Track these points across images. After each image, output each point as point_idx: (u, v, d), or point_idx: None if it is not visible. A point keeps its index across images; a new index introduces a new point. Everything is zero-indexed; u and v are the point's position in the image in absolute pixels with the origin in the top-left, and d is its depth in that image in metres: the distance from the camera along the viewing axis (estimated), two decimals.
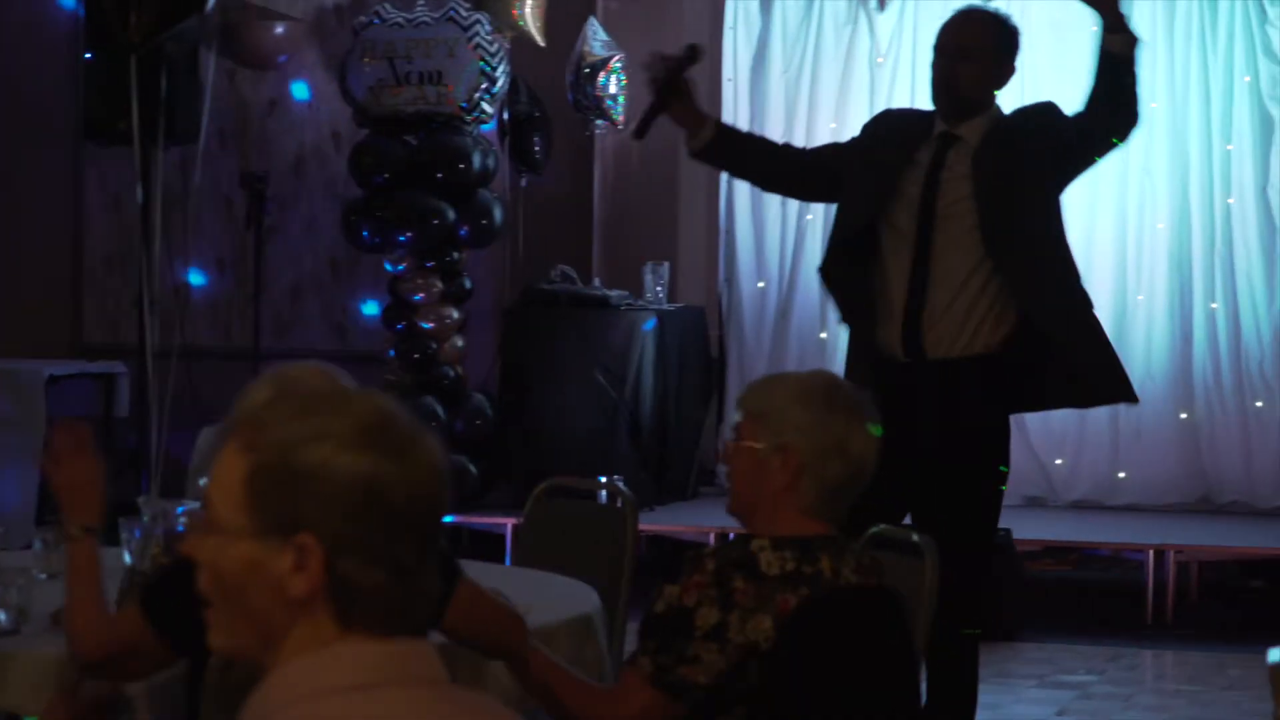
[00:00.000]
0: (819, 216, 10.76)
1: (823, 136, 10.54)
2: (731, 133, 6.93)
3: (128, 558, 4.82)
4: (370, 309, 11.29)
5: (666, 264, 10.92)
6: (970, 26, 6.53)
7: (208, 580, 2.47)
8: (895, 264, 6.35)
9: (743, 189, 11.02)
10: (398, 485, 2.44)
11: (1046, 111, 6.53)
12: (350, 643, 2.43)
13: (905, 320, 6.33)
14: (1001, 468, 6.43)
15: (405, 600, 2.48)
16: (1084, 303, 6.47)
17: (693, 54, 6.47)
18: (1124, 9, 6.52)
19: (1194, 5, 10.56)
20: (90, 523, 4.24)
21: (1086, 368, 6.36)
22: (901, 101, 10.27)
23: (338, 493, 2.43)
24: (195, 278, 11.24)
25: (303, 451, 2.44)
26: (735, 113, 10.98)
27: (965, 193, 6.29)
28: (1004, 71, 6.47)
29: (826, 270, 6.57)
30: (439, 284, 10.75)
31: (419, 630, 2.50)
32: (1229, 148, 10.57)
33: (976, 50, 6.44)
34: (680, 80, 6.44)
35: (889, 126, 6.69)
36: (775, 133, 10.76)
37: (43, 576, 5.23)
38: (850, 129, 10.35)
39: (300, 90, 11.73)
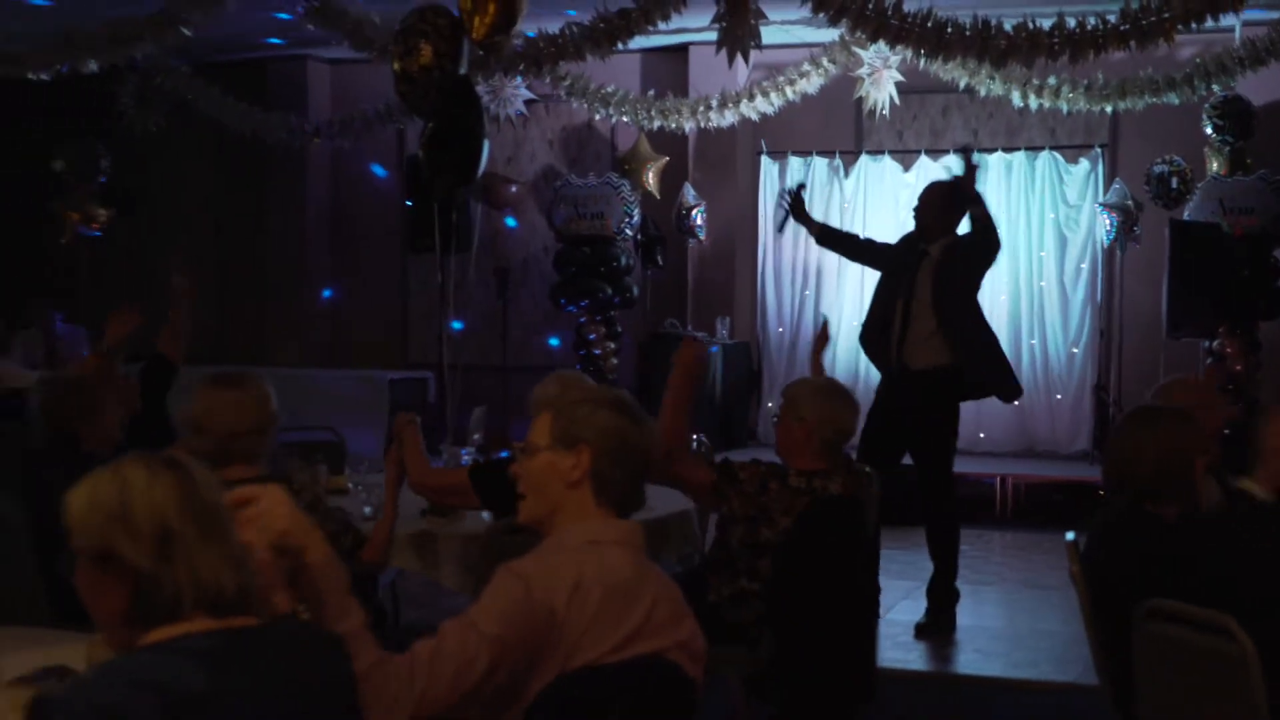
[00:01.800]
0: (813, 291, 10.78)
1: (815, 249, 10.55)
2: (830, 230, 7.14)
3: None
4: (566, 342, 11.36)
5: (728, 317, 10.93)
6: (928, 192, 6.63)
7: (525, 484, 2.56)
8: (896, 317, 6.47)
9: (771, 278, 11.01)
10: (630, 432, 2.54)
11: (970, 240, 6.58)
12: (599, 518, 2.52)
13: (898, 348, 6.40)
14: (951, 429, 6.48)
15: (630, 495, 2.56)
16: (987, 339, 6.51)
17: (799, 191, 7.02)
18: (980, 178, 6.59)
19: (1022, 170, 10.43)
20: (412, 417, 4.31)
21: (985, 376, 6.37)
22: (858, 224, 10.21)
23: (601, 426, 2.52)
24: (470, 325, 11.37)
25: (580, 405, 2.55)
26: (768, 234, 10.95)
27: (929, 284, 6.40)
28: (950, 216, 6.51)
29: (867, 327, 6.70)
30: (604, 329, 10.80)
31: (631, 515, 2.57)
32: (1042, 254, 10.48)
33: (929, 206, 6.52)
34: (799, 200, 6.87)
35: (905, 241, 6.74)
36: (788, 244, 10.79)
37: None
38: None
39: (527, 222, 11.79)
